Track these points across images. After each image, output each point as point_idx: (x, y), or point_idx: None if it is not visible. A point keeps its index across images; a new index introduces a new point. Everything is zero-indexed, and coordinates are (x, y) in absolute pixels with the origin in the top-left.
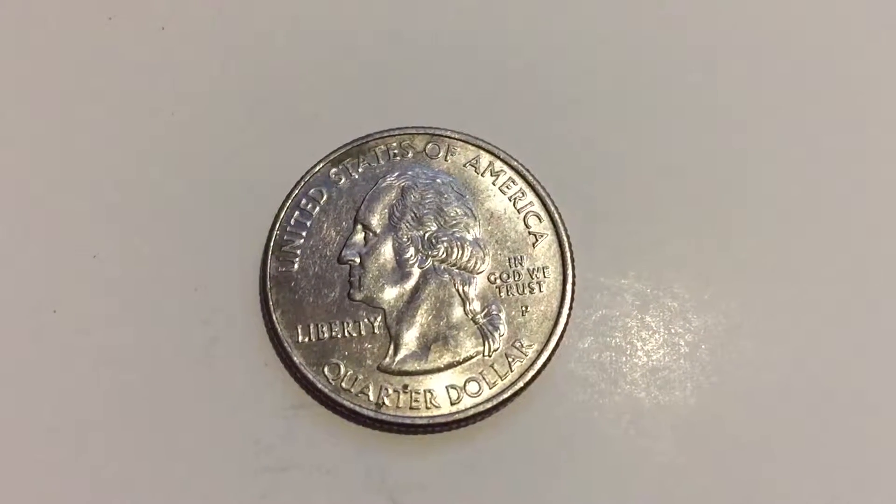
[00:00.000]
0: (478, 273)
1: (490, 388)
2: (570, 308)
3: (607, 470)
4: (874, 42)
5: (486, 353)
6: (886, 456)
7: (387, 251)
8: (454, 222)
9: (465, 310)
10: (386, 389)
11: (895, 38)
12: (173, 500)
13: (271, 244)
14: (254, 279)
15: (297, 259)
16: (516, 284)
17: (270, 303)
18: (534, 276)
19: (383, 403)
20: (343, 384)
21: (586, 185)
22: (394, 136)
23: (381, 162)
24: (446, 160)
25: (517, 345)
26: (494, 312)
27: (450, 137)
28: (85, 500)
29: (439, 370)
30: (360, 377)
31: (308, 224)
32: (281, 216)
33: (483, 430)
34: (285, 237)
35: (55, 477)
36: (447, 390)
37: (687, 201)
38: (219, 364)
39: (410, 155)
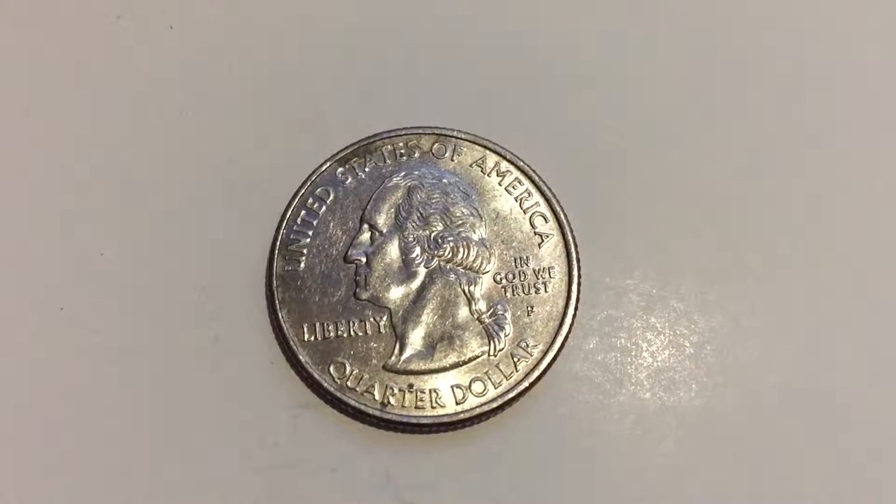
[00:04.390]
0: (483, 273)
1: (495, 388)
2: (576, 308)
3: (612, 470)
4: (877, 41)
5: (492, 353)
6: (891, 457)
7: (393, 251)
8: (460, 222)
9: (470, 309)
10: (391, 388)
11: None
12: (178, 499)
13: (278, 243)
14: (260, 278)
15: (304, 258)
16: (522, 284)
17: (276, 301)
18: (539, 277)
19: (389, 402)
20: (348, 383)
21: (592, 185)
22: (400, 136)
23: (388, 162)
24: (453, 160)
25: (522, 345)
26: (500, 312)
27: (456, 138)
28: (89, 498)
29: (445, 370)
30: (366, 376)
31: (314, 223)
32: (287, 215)
33: (488, 430)
34: (292, 236)
35: (59, 474)
36: (452, 390)
37: (693, 203)
38: (224, 362)
39: (417, 155)
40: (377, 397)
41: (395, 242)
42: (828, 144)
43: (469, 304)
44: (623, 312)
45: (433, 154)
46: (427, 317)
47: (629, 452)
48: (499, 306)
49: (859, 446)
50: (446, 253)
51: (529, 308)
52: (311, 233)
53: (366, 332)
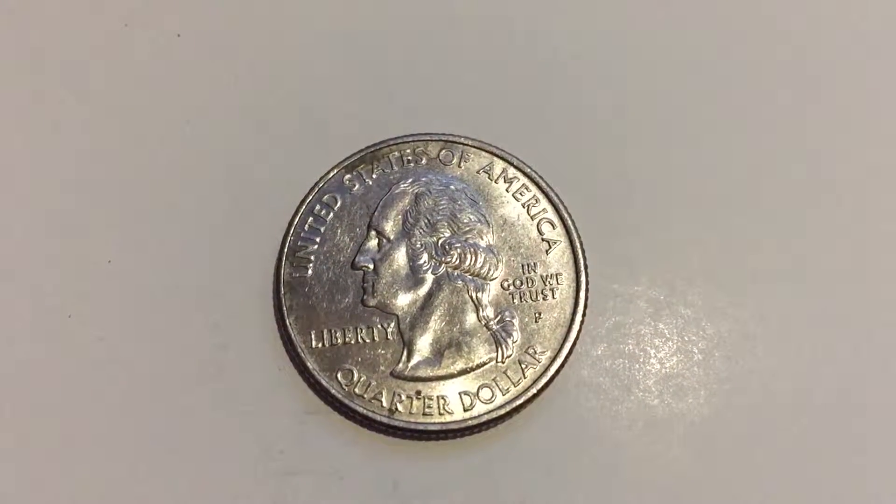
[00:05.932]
0: (491, 279)
1: (503, 395)
2: (584, 315)
3: (620, 477)
4: (878, 42)
5: (500, 360)
6: None
7: (400, 257)
8: (467, 229)
9: (478, 316)
10: (399, 395)
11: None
12: None
13: (285, 249)
14: (268, 284)
15: (311, 265)
16: (529, 291)
17: (284, 308)
18: (547, 283)
19: (396, 409)
20: (356, 390)
21: (600, 192)
22: (407, 142)
23: (395, 168)
24: (460, 167)
25: (530, 351)
26: (508, 319)
27: (463, 144)
28: None
29: (452, 376)
30: (374, 383)
31: (322, 230)
32: (295, 222)
33: (496, 437)
34: (299, 243)
35: (66, 480)
36: (460, 396)
37: (700, 208)
38: (232, 369)
39: (424, 161)
40: (385, 404)
41: (403, 249)
42: (833, 147)
43: (477, 311)
44: (631, 319)
45: (440, 160)
46: (435, 323)
47: (637, 459)
48: (506, 313)
49: (867, 452)
50: (454, 259)
51: (537, 314)
52: (318, 239)
53: (373, 339)
